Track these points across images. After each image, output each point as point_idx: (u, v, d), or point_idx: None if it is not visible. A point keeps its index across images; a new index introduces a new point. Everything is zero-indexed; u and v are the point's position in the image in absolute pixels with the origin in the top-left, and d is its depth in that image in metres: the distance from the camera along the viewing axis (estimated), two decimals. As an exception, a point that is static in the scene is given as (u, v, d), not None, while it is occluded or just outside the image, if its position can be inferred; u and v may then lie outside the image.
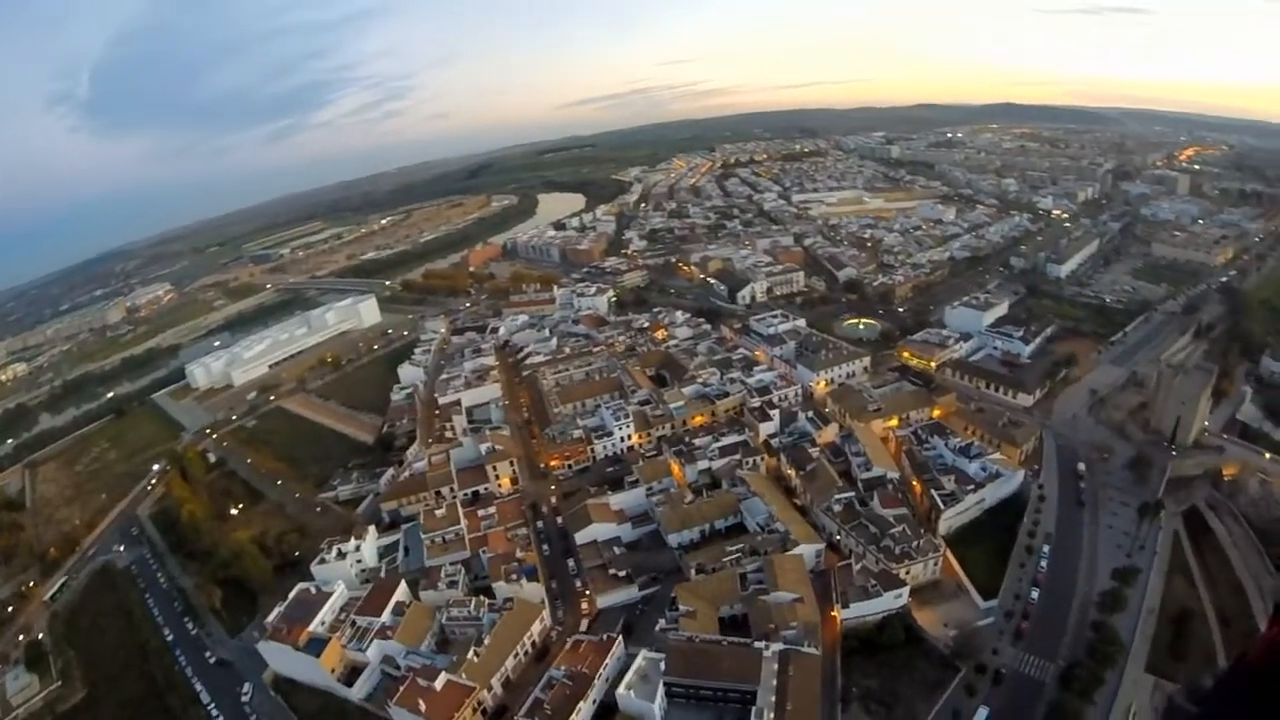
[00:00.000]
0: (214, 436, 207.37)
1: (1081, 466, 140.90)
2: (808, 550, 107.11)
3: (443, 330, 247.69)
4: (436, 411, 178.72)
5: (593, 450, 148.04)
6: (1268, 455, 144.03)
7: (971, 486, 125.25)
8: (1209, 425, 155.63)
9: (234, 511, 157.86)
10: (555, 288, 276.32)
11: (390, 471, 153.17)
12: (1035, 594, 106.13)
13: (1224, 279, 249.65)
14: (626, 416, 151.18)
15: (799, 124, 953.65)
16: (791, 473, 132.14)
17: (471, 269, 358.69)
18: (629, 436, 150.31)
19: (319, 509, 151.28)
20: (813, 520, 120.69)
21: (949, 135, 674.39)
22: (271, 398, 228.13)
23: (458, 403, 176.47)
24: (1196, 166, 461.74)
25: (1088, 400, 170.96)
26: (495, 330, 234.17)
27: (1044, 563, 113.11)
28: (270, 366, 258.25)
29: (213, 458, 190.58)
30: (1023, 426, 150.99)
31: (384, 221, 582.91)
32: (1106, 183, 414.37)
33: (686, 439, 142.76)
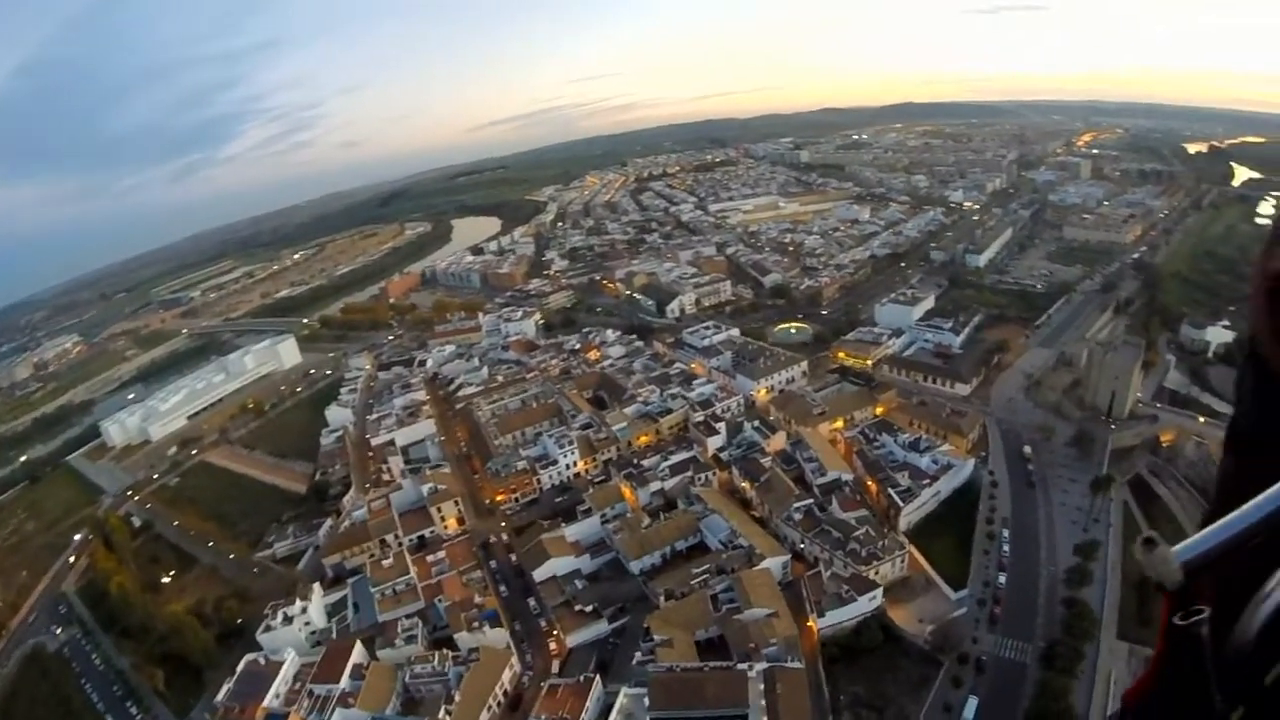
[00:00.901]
0: (136, 498, 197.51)
1: (1027, 449, 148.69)
2: (774, 563, 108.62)
3: (368, 367, 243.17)
4: (370, 453, 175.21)
5: (539, 481, 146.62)
6: (1202, 419, 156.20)
7: (926, 480, 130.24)
8: (1141, 396, 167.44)
9: (166, 580, 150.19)
10: (480, 315, 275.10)
11: (328, 522, 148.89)
12: (1003, 578, 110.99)
13: (1136, 256, 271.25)
14: (570, 443, 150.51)
15: (708, 134, 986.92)
16: (746, 485, 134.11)
17: (392, 300, 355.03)
18: (575, 463, 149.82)
19: (256, 569, 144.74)
20: (773, 531, 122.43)
21: (855, 137, 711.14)
22: (193, 452, 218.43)
23: (392, 442, 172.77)
24: (1096, 151, 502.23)
25: (1023, 384, 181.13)
26: (423, 363, 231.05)
27: (1006, 547, 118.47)
28: (189, 418, 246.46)
29: (137, 522, 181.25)
30: (966, 416, 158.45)
31: (297, 256, 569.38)
32: (1012, 173, 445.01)
33: (634, 460, 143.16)
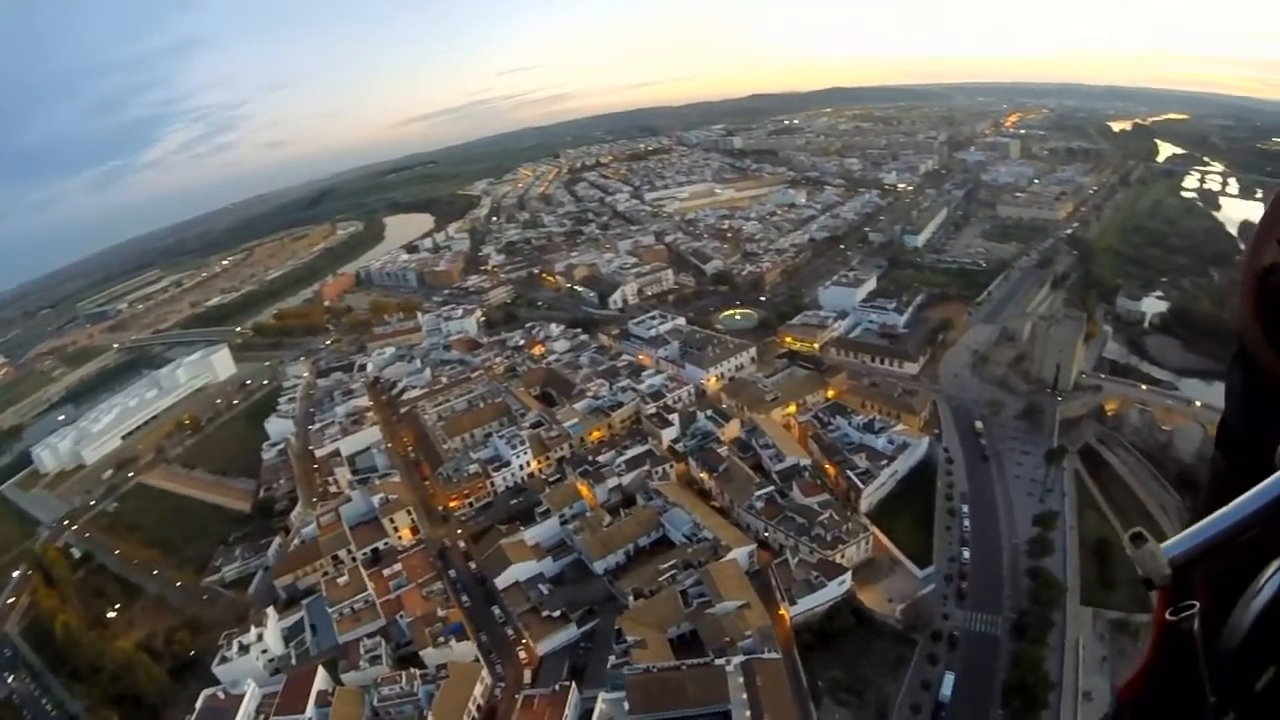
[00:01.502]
0: (74, 528, 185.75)
1: (979, 424, 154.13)
2: (741, 553, 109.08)
3: (306, 374, 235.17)
4: (315, 465, 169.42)
5: (492, 484, 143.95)
6: (1144, 386, 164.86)
7: (884, 461, 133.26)
8: (1084, 367, 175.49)
9: (112, 614, 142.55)
10: (419, 314, 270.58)
11: (277, 541, 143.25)
12: (966, 553, 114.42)
13: (1069, 231, 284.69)
14: (522, 443, 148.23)
15: (640, 123, 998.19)
16: (704, 476, 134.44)
17: (326, 303, 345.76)
18: (528, 464, 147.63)
19: (206, 596, 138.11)
20: (735, 521, 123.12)
21: (786, 122, 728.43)
22: (130, 474, 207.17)
23: (337, 452, 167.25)
24: (1023, 131, 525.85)
25: (968, 360, 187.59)
26: (363, 367, 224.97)
27: (967, 522, 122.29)
28: (123, 438, 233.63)
29: (77, 553, 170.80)
30: (918, 395, 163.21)
31: (226, 262, 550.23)
32: (944, 154, 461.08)
33: (589, 457, 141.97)
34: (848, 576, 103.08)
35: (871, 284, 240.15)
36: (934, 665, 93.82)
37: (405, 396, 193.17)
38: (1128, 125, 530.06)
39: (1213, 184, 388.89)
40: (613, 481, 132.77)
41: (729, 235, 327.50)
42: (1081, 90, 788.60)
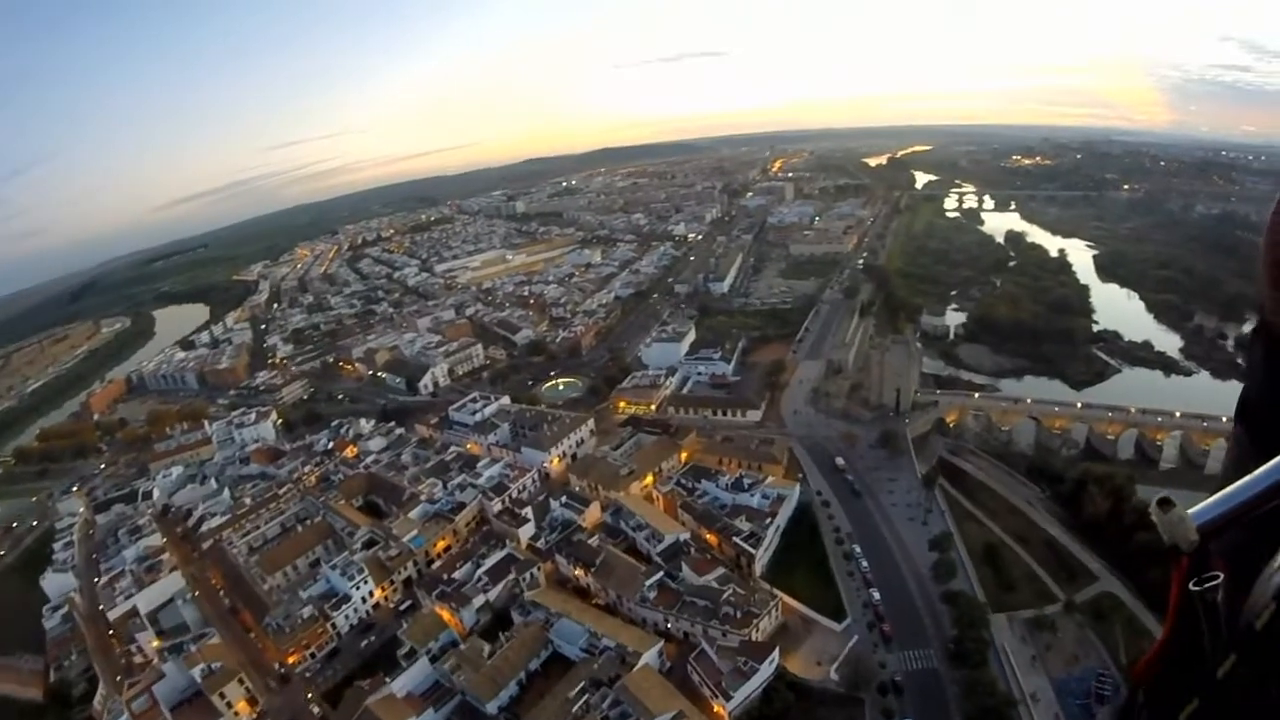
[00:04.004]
0: None
1: (840, 460, 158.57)
2: (650, 655, 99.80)
3: (82, 509, 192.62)
4: (110, 632, 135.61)
5: (334, 626, 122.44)
6: (977, 395, 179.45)
7: (767, 519, 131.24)
8: (915, 386, 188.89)
9: None
10: (206, 423, 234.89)
11: None
12: (876, 595, 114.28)
13: (861, 261, 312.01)
14: (359, 570, 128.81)
15: (417, 193, 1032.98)
16: (580, 573, 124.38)
17: (97, 417, 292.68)
18: (371, 594, 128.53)
19: None
20: (628, 617, 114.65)
21: (564, 184, 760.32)
22: None
23: (134, 611, 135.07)
24: (791, 174, 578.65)
25: (806, 397, 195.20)
26: (149, 495, 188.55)
27: (864, 562, 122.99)
28: None
29: None
30: (774, 442, 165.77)
31: None
32: (725, 201, 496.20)
33: (443, 575, 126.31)
34: (775, 653, 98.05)
35: (691, 335, 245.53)
36: (890, 719, 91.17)
37: (205, 527, 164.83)
38: (883, 159, 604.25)
39: (970, 202, 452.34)
40: (479, 600, 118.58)
41: (532, 302, 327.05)
42: (832, 133, 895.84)
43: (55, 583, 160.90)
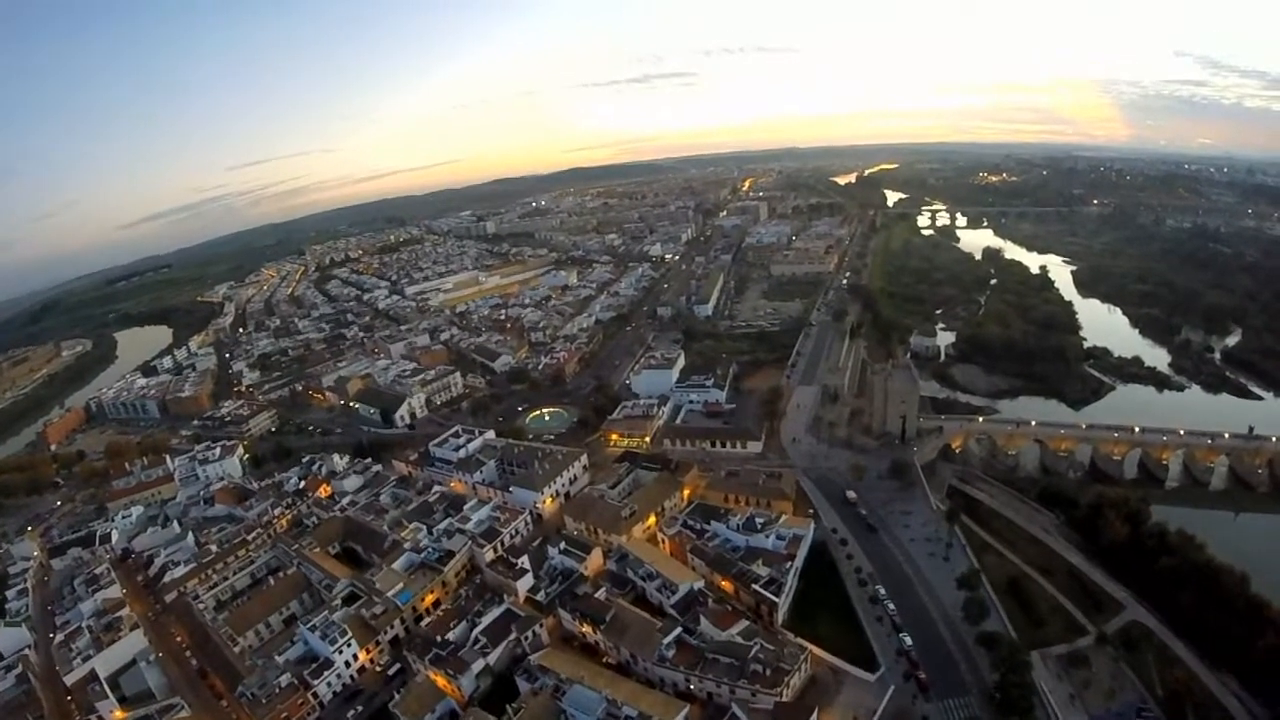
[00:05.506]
0: None
1: (851, 494, 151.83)
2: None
3: (37, 553, 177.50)
4: (69, 698, 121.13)
5: (315, 695, 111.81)
6: (981, 419, 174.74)
7: (786, 563, 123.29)
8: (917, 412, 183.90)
9: None
10: (168, 458, 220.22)
11: None
12: (908, 640, 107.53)
13: (844, 281, 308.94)
14: (342, 632, 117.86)
15: (385, 213, 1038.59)
16: (588, 629, 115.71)
17: (53, 448, 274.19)
18: (355, 657, 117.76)
19: None
20: (642, 678, 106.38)
21: (534, 204, 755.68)
22: None
23: (93, 675, 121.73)
24: (763, 193, 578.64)
25: (806, 426, 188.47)
26: (106, 538, 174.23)
27: (891, 604, 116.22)
28: None
29: None
30: (781, 476, 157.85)
31: None
32: (699, 221, 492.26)
33: (435, 636, 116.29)
34: (815, 714, 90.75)
35: (681, 361, 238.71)
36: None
37: (168, 577, 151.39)
38: (852, 178, 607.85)
39: (943, 219, 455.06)
40: (478, 664, 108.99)
41: (509, 326, 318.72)
42: (797, 152, 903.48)
43: (8, 637, 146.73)
